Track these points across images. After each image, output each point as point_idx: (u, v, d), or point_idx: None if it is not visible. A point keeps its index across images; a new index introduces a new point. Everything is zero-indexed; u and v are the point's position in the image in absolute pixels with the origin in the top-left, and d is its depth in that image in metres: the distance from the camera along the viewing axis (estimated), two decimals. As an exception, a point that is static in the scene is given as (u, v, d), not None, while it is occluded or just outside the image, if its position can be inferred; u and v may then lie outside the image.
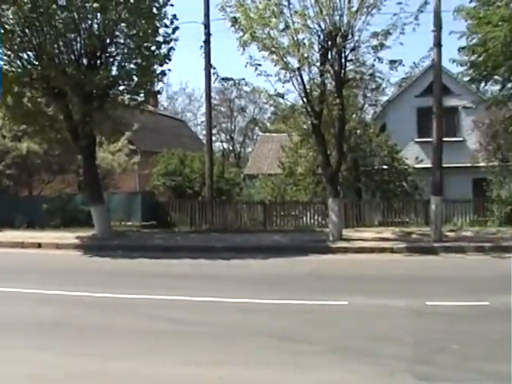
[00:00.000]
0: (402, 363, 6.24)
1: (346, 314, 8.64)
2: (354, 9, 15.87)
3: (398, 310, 8.64)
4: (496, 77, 16.68)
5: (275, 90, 16.85)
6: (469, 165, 25.08)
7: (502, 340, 6.90)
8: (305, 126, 19.93)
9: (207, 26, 22.80)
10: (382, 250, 15.48)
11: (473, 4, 16.35)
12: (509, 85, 17.06)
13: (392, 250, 15.45)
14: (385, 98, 26.83)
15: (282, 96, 17.01)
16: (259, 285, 11.18)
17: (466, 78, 17.53)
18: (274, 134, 36.20)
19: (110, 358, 6.69)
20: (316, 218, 21.63)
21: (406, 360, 6.34)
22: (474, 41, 16.29)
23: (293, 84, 16.55)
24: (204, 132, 36.14)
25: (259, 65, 16.15)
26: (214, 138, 31.89)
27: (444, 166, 17.05)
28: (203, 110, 41.97)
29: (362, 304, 9.08)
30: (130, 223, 21.82)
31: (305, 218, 21.82)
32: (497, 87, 17.62)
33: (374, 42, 16.21)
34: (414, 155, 25.40)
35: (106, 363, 6.49)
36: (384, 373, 6.03)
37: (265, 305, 9.23)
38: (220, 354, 6.79)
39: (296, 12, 15.90)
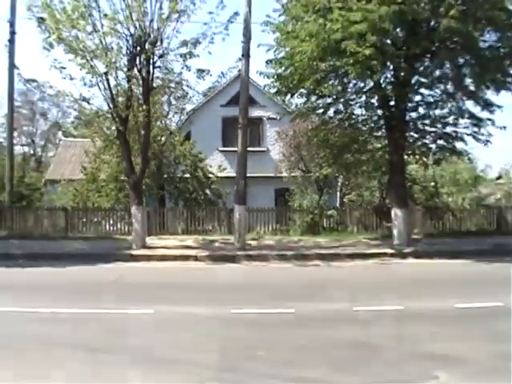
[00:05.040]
0: (210, 371, 6.10)
1: (151, 323, 8.28)
2: (164, 15, 15.78)
3: (203, 318, 8.47)
4: (301, 90, 17.18)
5: (80, 94, 16.44)
6: (272, 175, 25.88)
7: (310, 346, 7.00)
8: (108, 132, 19.63)
9: (12, 24, 21.82)
10: (186, 258, 15.34)
11: (282, 18, 16.82)
12: (313, 98, 17.77)
13: (196, 258, 15.37)
14: (191, 107, 26.82)
15: (87, 100, 16.67)
16: (60, 294, 10.40)
17: (273, 90, 17.81)
18: (78, 139, 34.72)
19: None
20: (119, 225, 21.06)
21: (214, 368, 6.21)
22: (282, 54, 16.69)
23: (99, 88, 16.23)
24: (4, 135, 33.73)
25: (64, 68, 15.59)
26: (14, 141, 29.87)
27: (248, 175, 17.35)
28: (3, 111, 39.48)
29: (167, 312, 8.77)
30: None
31: (107, 225, 21.14)
32: (301, 100, 18.18)
33: (183, 50, 16.24)
34: (218, 164, 25.79)
35: None
36: (192, 381, 5.88)
37: (66, 314, 8.64)
38: (24, 369, 6.21)
39: (106, 15, 15.54)
